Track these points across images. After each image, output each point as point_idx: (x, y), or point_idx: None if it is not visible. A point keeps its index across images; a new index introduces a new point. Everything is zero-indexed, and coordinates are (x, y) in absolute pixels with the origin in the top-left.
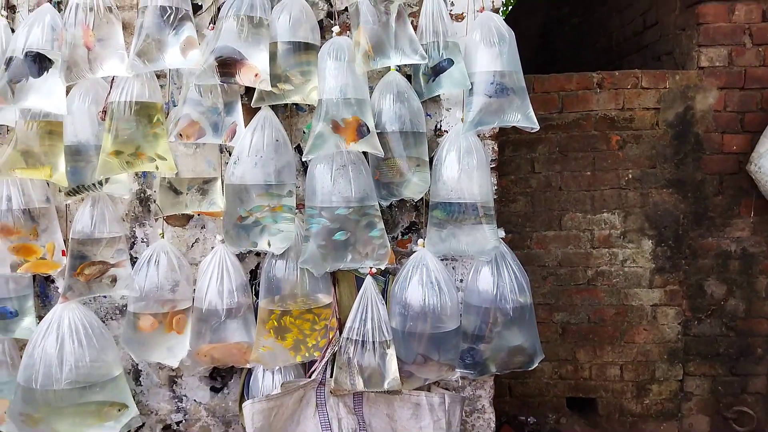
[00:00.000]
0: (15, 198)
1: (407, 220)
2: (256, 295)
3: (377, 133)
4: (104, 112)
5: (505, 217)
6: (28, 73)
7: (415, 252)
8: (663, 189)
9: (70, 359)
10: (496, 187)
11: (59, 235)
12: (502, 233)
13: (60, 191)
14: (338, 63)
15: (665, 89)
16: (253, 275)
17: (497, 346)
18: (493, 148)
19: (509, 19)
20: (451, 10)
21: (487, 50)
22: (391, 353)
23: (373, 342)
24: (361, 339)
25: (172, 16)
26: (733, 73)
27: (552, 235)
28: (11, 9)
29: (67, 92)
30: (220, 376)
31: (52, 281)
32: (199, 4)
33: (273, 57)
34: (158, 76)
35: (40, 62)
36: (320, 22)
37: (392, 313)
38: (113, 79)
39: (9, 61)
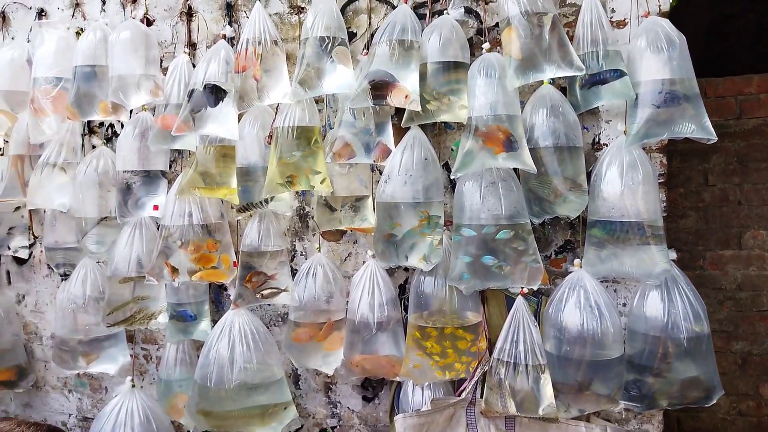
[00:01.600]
0: (195, 214)
1: (561, 239)
2: (405, 309)
3: (530, 149)
4: (270, 136)
5: (673, 234)
6: (206, 104)
7: (571, 272)
8: None
9: (240, 361)
10: (664, 204)
11: (231, 248)
12: (673, 255)
13: (232, 208)
14: (488, 80)
15: None
16: (402, 290)
17: (668, 379)
18: (661, 161)
19: (671, 21)
20: (611, 17)
21: (654, 57)
22: (546, 378)
23: (526, 365)
24: (512, 361)
25: (329, 45)
26: None
27: (730, 255)
28: (192, 46)
29: (239, 119)
30: (371, 387)
31: (225, 289)
32: (354, 31)
33: (423, 77)
34: (316, 101)
35: (216, 93)
36: (470, 40)
37: (546, 336)
38: (278, 105)
39: (191, 94)
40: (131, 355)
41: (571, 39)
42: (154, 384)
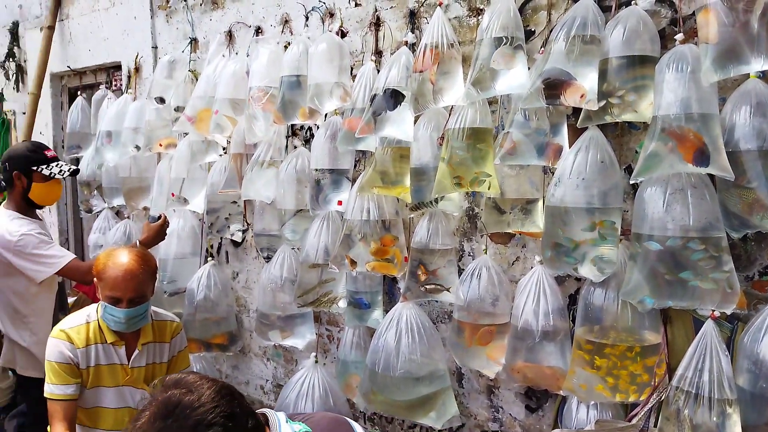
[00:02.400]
0: (372, 210)
1: (767, 258)
2: (573, 321)
3: (728, 152)
4: (442, 137)
5: None
6: (386, 107)
7: None
8: None
9: (405, 351)
10: None
11: (403, 243)
12: None
13: (406, 206)
14: (679, 74)
15: None
16: (572, 300)
17: None
18: None
19: None
20: None
21: None
22: (735, 415)
23: (710, 398)
24: (695, 391)
25: (506, 45)
26: None
27: None
28: (378, 54)
29: (415, 121)
30: (535, 397)
31: (396, 282)
32: (533, 29)
33: (604, 74)
34: (490, 103)
35: (395, 97)
36: (661, 32)
37: (739, 369)
38: (452, 107)
39: (373, 98)
40: (317, 334)
41: None
42: (335, 362)
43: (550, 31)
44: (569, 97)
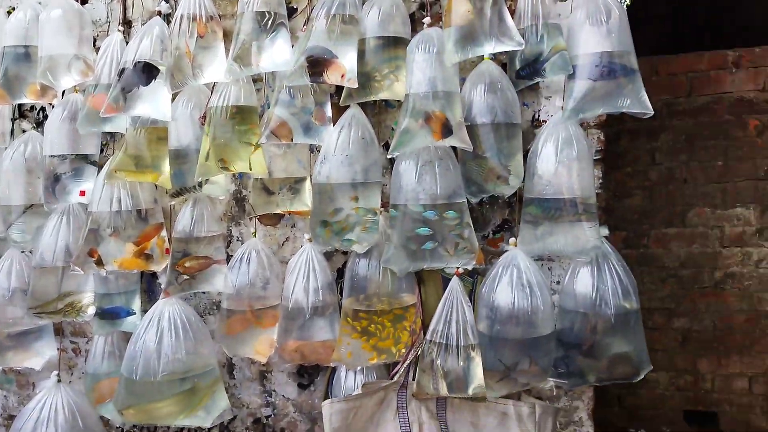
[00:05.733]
0: (124, 200)
1: (499, 218)
2: (342, 293)
3: (466, 125)
4: (204, 116)
5: (620, 214)
6: (137, 83)
7: (506, 252)
8: None
9: (168, 352)
10: (600, 181)
11: (165, 234)
12: (605, 231)
13: (166, 193)
14: (426, 55)
15: None
16: (340, 273)
17: (596, 356)
18: (598, 137)
19: (635, 2)
20: None
21: (592, 30)
22: (477, 358)
23: (458, 346)
24: (445, 342)
25: (268, 21)
26: None
27: (674, 233)
28: (127, 24)
29: (173, 99)
30: (307, 373)
31: (157, 277)
32: (294, 7)
33: (362, 53)
34: (255, 80)
35: (148, 72)
36: (412, 15)
37: (479, 317)
38: (214, 85)
39: (121, 72)
40: (59, 349)
41: (512, 13)
42: (83, 378)
43: (312, 10)
44: (332, 75)
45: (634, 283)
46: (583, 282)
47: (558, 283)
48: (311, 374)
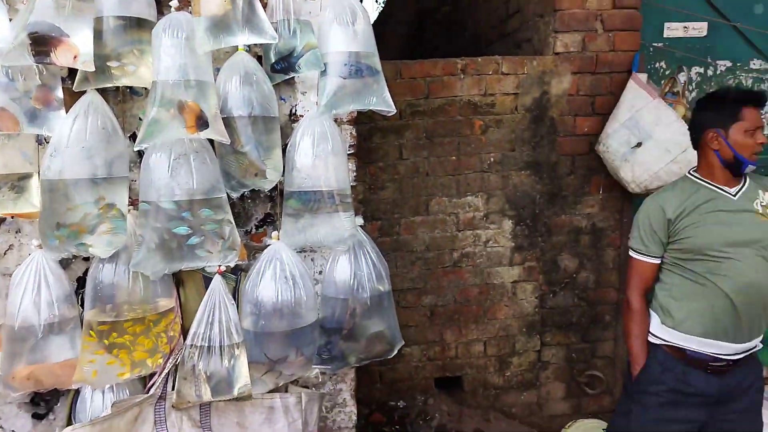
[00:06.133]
0: None
1: (261, 212)
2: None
3: (223, 118)
4: None
5: (375, 205)
6: None
7: (269, 246)
8: (522, 171)
9: None
10: (354, 174)
11: None
12: (360, 221)
13: None
14: (175, 41)
15: (523, 74)
16: (81, 283)
17: (355, 338)
18: (351, 133)
19: (384, 9)
20: None
21: (341, 30)
22: (242, 356)
23: (221, 346)
24: (207, 344)
25: None
26: (586, 58)
27: (420, 221)
28: None
29: None
30: (43, 401)
31: None
32: None
33: (100, 34)
34: None
35: None
36: None
37: (243, 313)
38: None
39: None
40: None
41: (265, 6)
42: None
43: None
44: (61, 56)
45: (386, 267)
46: (343, 269)
47: (321, 273)
48: (49, 401)
